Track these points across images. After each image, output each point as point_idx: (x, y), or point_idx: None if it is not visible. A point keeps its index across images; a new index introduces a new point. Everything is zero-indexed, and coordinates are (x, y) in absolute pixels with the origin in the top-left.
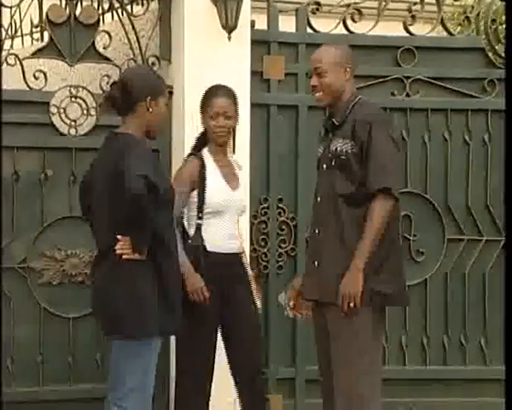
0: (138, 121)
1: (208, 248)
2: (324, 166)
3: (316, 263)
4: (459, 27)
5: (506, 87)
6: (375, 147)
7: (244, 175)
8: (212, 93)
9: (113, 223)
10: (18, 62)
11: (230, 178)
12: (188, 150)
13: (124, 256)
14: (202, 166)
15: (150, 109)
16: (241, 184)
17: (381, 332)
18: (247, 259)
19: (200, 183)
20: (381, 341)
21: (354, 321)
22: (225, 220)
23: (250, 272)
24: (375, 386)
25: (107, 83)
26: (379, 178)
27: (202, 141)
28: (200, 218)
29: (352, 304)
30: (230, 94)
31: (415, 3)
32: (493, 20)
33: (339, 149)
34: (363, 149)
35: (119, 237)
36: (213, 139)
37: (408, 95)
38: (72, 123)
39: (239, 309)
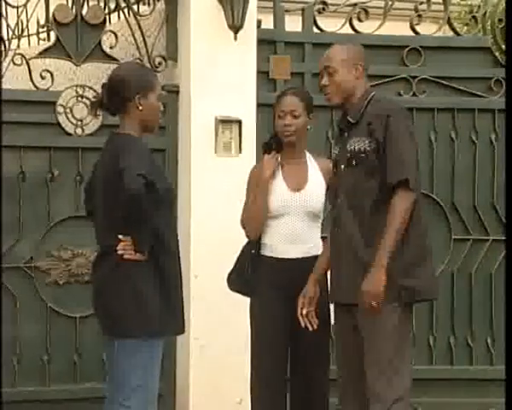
0: (132, 120)
1: (264, 253)
2: (343, 166)
3: (340, 263)
4: (466, 27)
5: (506, 87)
6: (393, 140)
7: None
8: (282, 93)
9: (113, 223)
10: (24, 62)
11: (292, 179)
12: (194, 150)
13: (125, 256)
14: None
15: (140, 107)
16: (314, 184)
17: (409, 330)
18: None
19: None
20: (409, 339)
21: (384, 320)
22: (284, 223)
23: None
24: (406, 386)
25: None
26: (397, 171)
27: (272, 145)
28: None
29: (374, 303)
30: (300, 94)
31: (421, 3)
32: (500, 20)
33: (357, 147)
34: (380, 145)
35: (120, 237)
36: (282, 139)
37: (414, 94)
38: (79, 123)
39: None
